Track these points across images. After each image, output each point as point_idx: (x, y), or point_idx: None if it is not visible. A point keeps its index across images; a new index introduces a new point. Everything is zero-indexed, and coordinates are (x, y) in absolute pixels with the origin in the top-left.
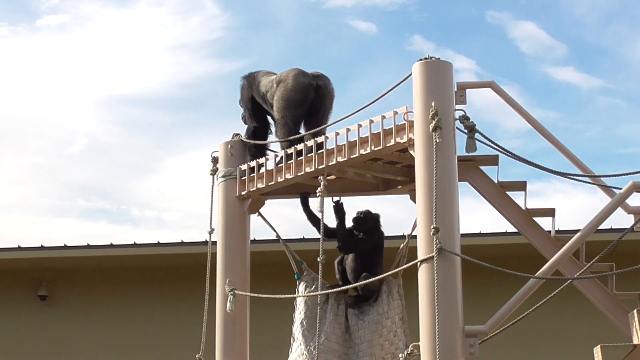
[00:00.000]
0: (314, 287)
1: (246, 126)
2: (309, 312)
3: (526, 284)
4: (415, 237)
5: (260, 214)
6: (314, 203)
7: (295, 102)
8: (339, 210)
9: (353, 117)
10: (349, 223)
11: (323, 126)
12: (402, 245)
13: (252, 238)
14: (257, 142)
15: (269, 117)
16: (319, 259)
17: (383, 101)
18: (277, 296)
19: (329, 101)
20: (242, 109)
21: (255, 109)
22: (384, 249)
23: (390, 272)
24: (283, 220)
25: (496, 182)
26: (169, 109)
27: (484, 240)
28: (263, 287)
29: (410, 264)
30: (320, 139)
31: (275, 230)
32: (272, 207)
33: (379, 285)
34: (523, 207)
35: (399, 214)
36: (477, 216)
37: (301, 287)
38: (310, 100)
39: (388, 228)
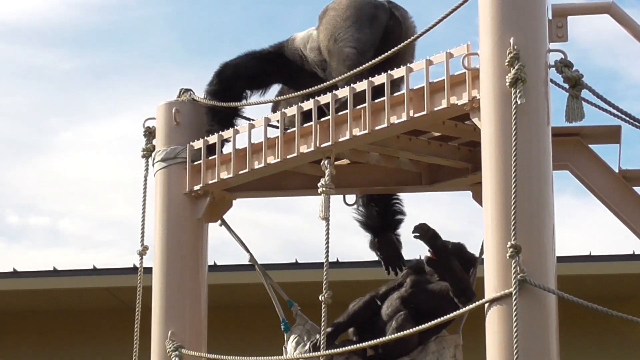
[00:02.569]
0: (310, 343)
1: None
2: None
3: None
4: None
5: (224, 222)
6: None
7: (361, 18)
8: (428, 233)
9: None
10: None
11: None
12: None
13: (211, 263)
14: (225, 104)
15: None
16: (321, 297)
17: (428, 37)
18: (252, 359)
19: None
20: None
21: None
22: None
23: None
24: (265, 232)
25: (617, 170)
26: (67, 49)
27: (595, 268)
28: (233, 342)
29: (474, 305)
30: (340, 94)
31: (248, 251)
32: (246, 212)
33: (419, 342)
34: None
35: (453, 225)
36: (583, 227)
37: (290, 344)
38: (383, 25)
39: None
